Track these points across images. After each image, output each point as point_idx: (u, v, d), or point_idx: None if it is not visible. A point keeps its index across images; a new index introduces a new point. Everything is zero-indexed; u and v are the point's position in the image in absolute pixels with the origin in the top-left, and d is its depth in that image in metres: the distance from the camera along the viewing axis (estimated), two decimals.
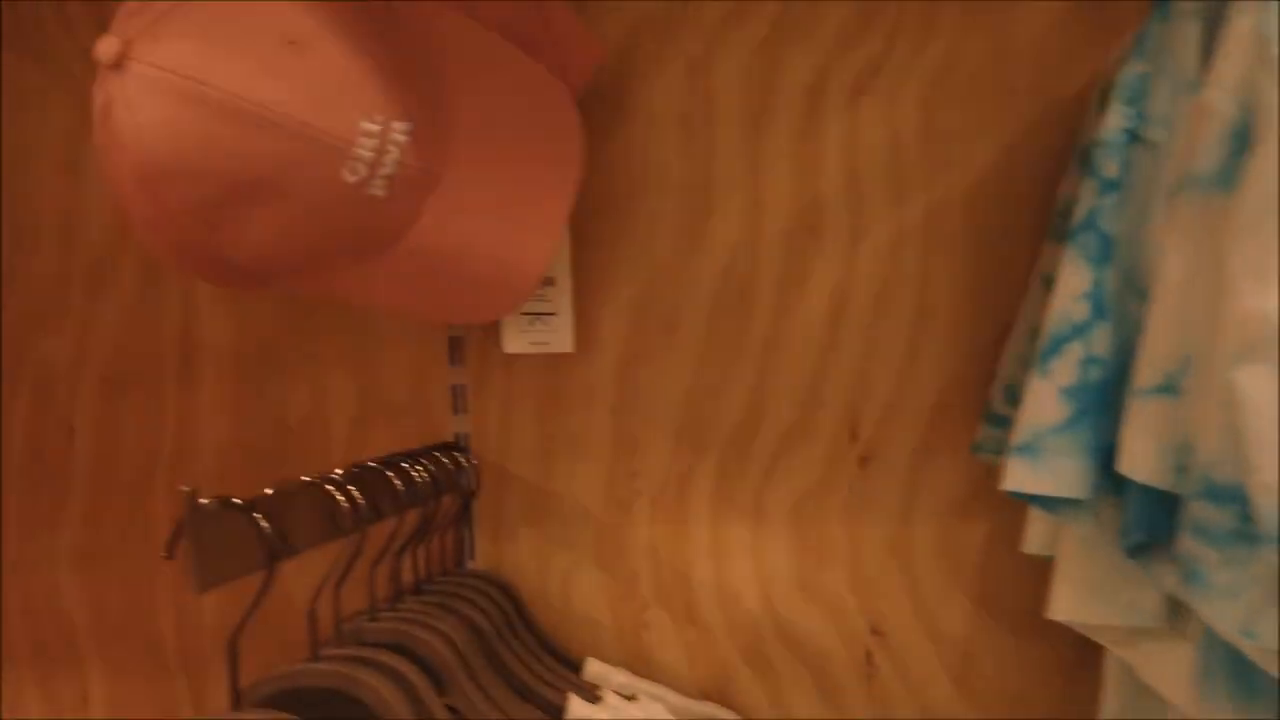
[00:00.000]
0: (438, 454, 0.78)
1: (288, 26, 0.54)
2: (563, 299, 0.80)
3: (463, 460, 0.82)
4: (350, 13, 0.56)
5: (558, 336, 0.80)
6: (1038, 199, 0.78)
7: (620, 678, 0.80)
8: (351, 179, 0.56)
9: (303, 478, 0.61)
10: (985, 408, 0.79)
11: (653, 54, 0.81)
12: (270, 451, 0.88)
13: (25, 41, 0.86)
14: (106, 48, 0.51)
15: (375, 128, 0.56)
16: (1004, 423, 0.76)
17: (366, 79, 0.55)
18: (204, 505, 0.49)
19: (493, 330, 0.84)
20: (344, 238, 0.61)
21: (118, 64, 0.51)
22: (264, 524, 0.52)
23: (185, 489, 0.47)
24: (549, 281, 0.79)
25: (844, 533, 0.84)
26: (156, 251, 0.64)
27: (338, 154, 0.55)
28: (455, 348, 0.85)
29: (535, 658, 0.79)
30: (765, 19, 0.80)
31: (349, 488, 0.62)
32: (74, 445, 0.90)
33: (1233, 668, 0.54)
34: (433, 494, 0.74)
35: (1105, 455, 0.59)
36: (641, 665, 0.86)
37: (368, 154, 0.56)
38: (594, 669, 0.80)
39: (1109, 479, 0.59)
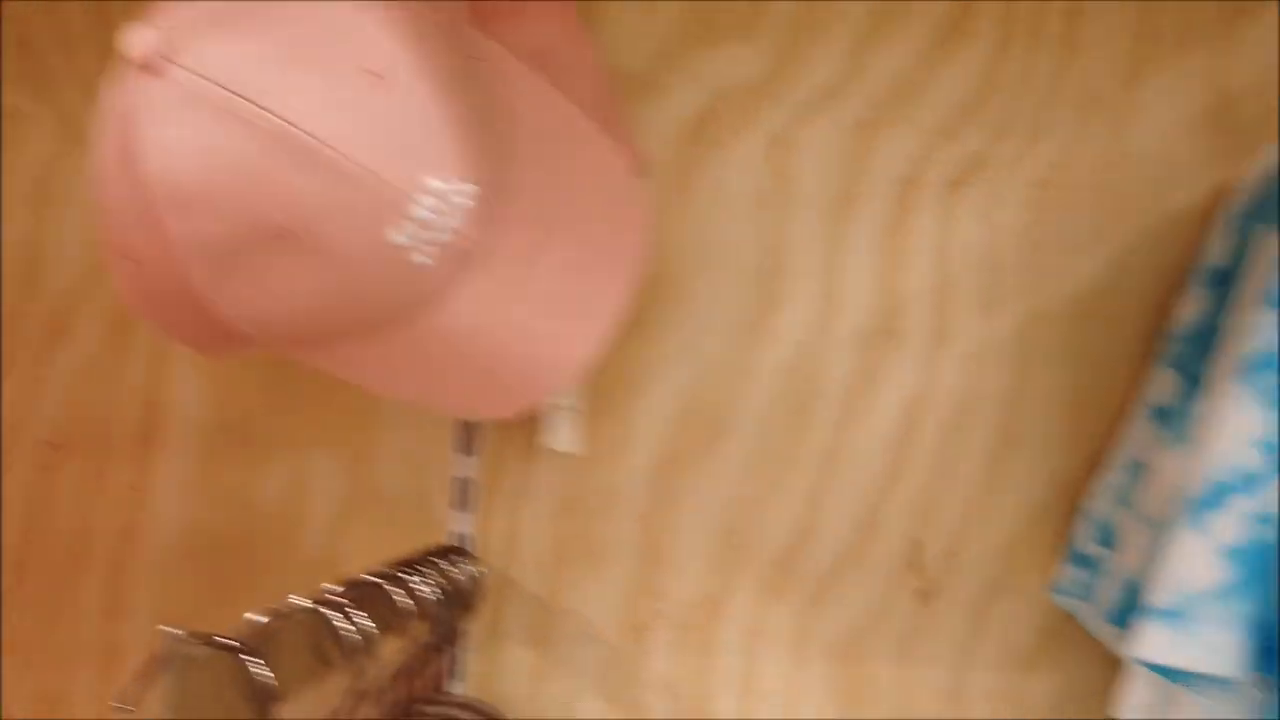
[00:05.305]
0: (439, 560, 0.67)
1: (371, 53, 0.44)
2: (580, 396, 0.71)
3: (466, 567, 0.70)
4: (440, 54, 0.47)
5: (577, 436, 0.71)
6: (1144, 319, 0.71)
7: None
8: (398, 240, 0.47)
9: (294, 599, 0.49)
10: (1068, 545, 0.70)
11: (731, 126, 0.73)
12: (233, 539, 0.75)
13: (13, 59, 0.74)
14: (140, 42, 0.41)
15: (441, 186, 0.46)
16: (1089, 563, 0.68)
17: (443, 130, 0.46)
18: (187, 645, 0.37)
19: (515, 419, 0.74)
20: (369, 306, 0.51)
21: (152, 64, 0.41)
22: (259, 671, 0.40)
23: (167, 629, 0.35)
24: None
25: (894, 675, 0.74)
26: (135, 300, 0.52)
27: (392, 209, 0.45)
28: (466, 435, 0.74)
29: None
30: (862, 100, 0.72)
31: (353, 612, 0.50)
32: None
33: None
34: (438, 612, 0.62)
35: (1261, 629, 0.50)
36: None
37: (425, 214, 0.46)
38: None
39: (1260, 655, 0.51)
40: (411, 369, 0.54)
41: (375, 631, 0.50)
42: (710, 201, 0.73)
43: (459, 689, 0.74)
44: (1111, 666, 0.68)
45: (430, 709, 0.66)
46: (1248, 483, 0.49)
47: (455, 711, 0.68)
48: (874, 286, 0.73)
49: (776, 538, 0.74)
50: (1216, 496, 0.49)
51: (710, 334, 0.73)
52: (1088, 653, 0.71)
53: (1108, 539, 0.66)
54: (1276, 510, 0.49)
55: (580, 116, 0.56)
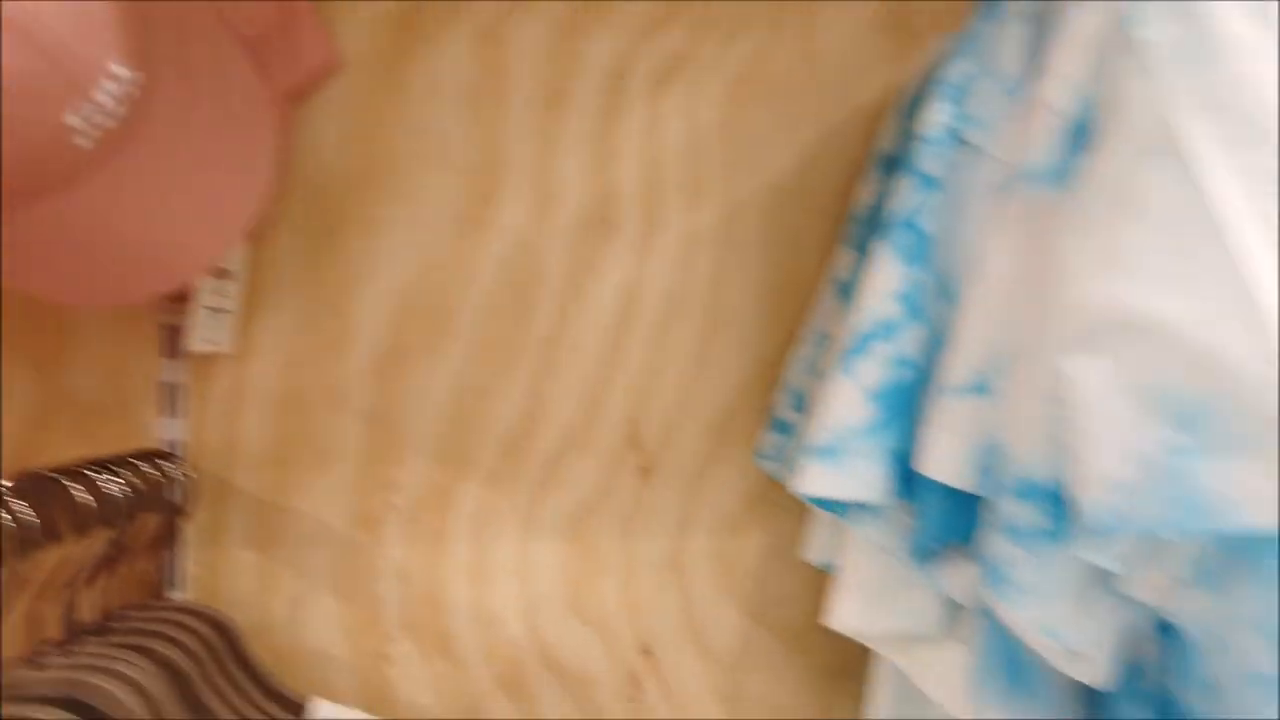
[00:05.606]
0: (138, 463, 0.64)
1: None
2: (237, 298, 0.71)
3: (171, 471, 0.67)
4: None
5: (227, 336, 0.71)
6: (833, 205, 0.77)
7: (352, 717, 0.69)
8: (71, 121, 0.46)
9: None
10: (770, 414, 0.76)
11: (440, 18, 0.72)
12: None
13: None
14: None
15: (124, 73, 0.47)
16: (788, 429, 0.74)
17: (122, 17, 0.47)
18: None
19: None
20: (16, 183, 0.48)
21: None
22: None
23: None
24: (228, 276, 0.70)
25: (619, 548, 0.78)
26: None
27: (78, 91, 0.45)
28: (170, 339, 0.71)
29: (249, 702, 0.66)
30: None
31: (13, 502, 0.47)
32: None
33: (1008, 670, 0.54)
34: (128, 511, 0.59)
35: (900, 459, 0.57)
36: (381, 703, 0.75)
37: (104, 99, 0.46)
38: (322, 710, 0.68)
39: (902, 483, 0.58)
40: (27, 252, 0.52)
41: (35, 522, 0.47)
42: (423, 95, 0.72)
43: (178, 596, 0.72)
44: (809, 521, 0.75)
45: (140, 614, 0.64)
46: (888, 330, 0.55)
47: (173, 615, 0.66)
48: (587, 179, 0.75)
49: (502, 425, 0.75)
50: (863, 344, 0.55)
51: (429, 228, 0.73)
52: (790, 511, 0.79)
53: (800, 405, 0.73)
54: (912, 354, 0.55)
55: (210, 17, 0.56)
